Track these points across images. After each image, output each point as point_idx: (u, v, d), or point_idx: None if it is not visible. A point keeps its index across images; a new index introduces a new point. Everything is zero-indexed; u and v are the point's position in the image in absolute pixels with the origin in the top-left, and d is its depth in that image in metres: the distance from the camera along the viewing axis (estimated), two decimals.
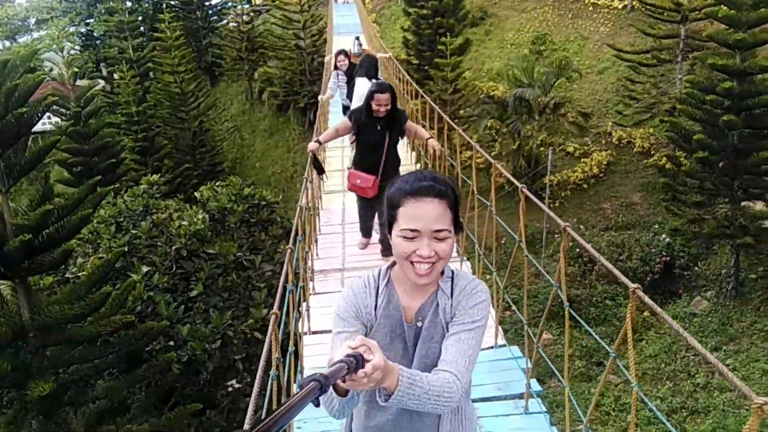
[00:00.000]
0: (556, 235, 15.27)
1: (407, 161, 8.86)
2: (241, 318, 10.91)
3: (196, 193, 13.42)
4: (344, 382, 1.22)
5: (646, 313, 12.80)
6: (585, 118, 17.51)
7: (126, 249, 10.81)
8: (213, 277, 11.16)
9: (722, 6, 10.24)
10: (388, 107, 4.78)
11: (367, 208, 5.45)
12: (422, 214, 1.54)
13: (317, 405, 1.08)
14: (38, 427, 7.62)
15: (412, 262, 1.56)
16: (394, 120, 4.91)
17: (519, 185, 3.99)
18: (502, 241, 15.15)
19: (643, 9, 16.91)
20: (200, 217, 11.57)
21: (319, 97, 10.16)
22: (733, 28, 10.16)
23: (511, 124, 16.69)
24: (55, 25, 34.77)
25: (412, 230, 1.54)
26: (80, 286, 8.09)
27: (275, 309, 3.27)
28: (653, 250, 13.32)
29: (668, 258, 13.23)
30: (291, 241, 4.25)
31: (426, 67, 20.51)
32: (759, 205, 11.36)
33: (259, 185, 17.44)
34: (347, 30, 20.24)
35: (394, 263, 1.68)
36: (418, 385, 1.43)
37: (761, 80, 10.16)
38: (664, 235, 13.51)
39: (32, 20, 41.39)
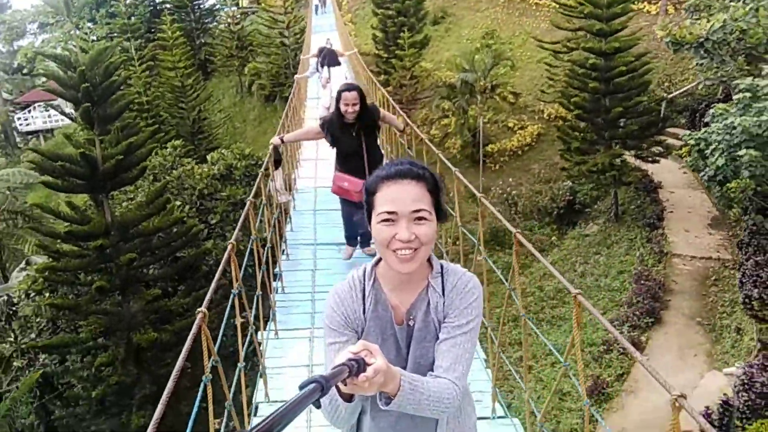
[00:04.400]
0: (489, 191, 19.32)
1: None
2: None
3: (207, 157, 17.27)
4: (346, 385, 1.21)
5: (554, 238, 17.00)
6: (515, 97, 21.59)
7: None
8: (227, 212, 15.06)
9: (586, 5, 14.36)
10: (356, 107, 4.69)
11: (352, 213, 5.20)
12: (399, 195, 1.51)
13: (318, 406, 1.09)
14: (121, 300, 11.48)
15: (393, 250, 1.52)
16: (366, 122, 4.82)
17: (478, 195, 4.43)
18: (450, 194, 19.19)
19: (556, 7, 20.99)
20: (215, 167, 15.48)
21: (296, 76, 12.63)
22: (595, 21, 14.24)
23: (457, 103, 20.69)
24: (60, 28, 38.34)
25: (389, 212, 1.51)
26: (142, 203, 11.99)
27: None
28: (560, 193, 17.46)
29: (571, 197, 17.36)
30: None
31: (392, 59, 24.48)
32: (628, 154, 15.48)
33: None
34: (322, 30, 24.20)
35: (379, 260, 1.65)
36: (419, 390, 1.43)
37: (620, 58, 14.23)
38: (568, 181, 17.64)
39: (34, 25, 44.74)
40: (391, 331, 1.65)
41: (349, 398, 1.34)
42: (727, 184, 10.64)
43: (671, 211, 15.49)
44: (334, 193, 5.19)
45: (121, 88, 12.47)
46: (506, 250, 16.40)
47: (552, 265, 15.14)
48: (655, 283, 12.15)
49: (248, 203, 4.47)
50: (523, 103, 23.64)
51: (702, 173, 10.12)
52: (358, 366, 1.19)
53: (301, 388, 1.02)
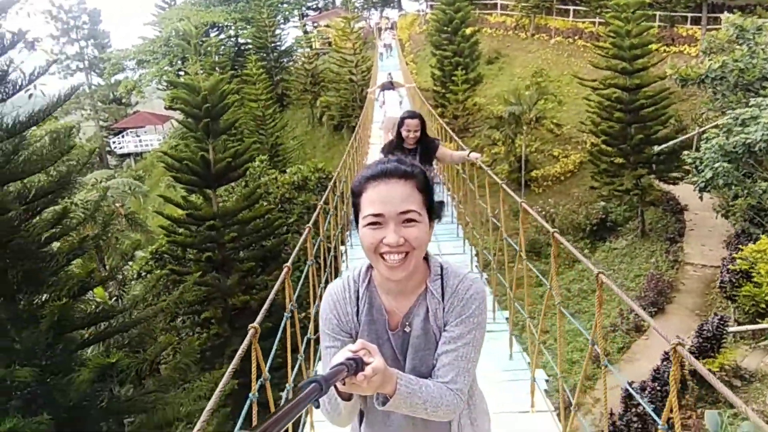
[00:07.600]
0: (534, 207, 21.67)
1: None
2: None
3: (286, 170, 20.49)
4: (344, 384, 1.22)
5: (586, 250, 19.06)
6: (559, 128, 23.93)
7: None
8: (302, 214, 18.07)
9: (611, 47, 16.80)
10: (417, 134, 4.86)
11: None
12: (385, 196, 1.41)
13: (317, 406, 1.12)
14: (219, 276, 14.49)
15: (381, 255, 1.43)
16: (424, 150, 4.92)
17: (519, 200, 4.63)
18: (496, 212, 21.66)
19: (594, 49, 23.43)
20: (294, 176, 18.61)
21: (368, 90, 16.18)
22: (618, 60, 16.61)
23: (504, 133, 23.23)
24: (157, 65, 43.69)
25: (375, 215, 1.41)
26: (240, 197, 15.12)
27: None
28: (593, 212, 19.57)
29: (604, 216, 19.43)
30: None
31: (447, 95, 27.39)
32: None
33: None
34: (388, 68, 27.46)
35: None
36: (416, 394, 1.41)
37: (643, 93, 16.49)
38: (602, 202, 19.74)
39: (132, 62, 50.52)
40: (386, 336, 1.58)
41: (348, 397, 1.32)
42: (732, 202, 12.76)
43: (692, 230, 17.35)
44: None
45: (229, 109, 15.79)
46: (543, 260, 18.56)
47: (581, 272, 17.43)
48: (665, 283, 14.11)
49: (307, 229, 4.55)
50: (568, 135, 25.91)
51: (695, 186, 12.24)
52: (356, 365, 1.20)
53: (300, 388, 1.03)
